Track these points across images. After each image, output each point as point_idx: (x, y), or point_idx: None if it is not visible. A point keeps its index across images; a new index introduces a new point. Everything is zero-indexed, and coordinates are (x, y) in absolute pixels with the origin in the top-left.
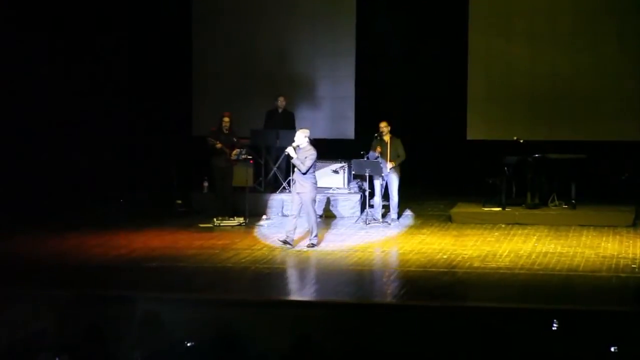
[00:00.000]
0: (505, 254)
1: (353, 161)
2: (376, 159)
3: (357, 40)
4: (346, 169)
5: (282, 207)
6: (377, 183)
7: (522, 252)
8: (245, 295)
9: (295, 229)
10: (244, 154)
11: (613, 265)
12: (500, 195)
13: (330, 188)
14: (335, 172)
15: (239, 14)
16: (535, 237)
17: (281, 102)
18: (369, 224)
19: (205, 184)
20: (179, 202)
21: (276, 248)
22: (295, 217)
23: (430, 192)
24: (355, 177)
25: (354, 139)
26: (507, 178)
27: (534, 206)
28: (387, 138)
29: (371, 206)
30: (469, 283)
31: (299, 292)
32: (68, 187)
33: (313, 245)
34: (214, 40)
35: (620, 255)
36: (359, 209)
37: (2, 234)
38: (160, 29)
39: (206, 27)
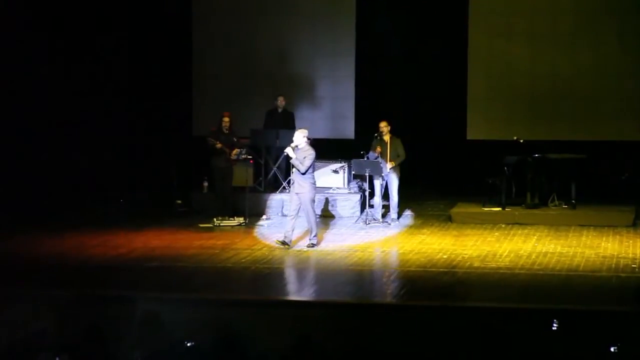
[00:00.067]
0: (505, 254)
1: (353, 161)
2: (376, 158)
3: (357, 40)
4: (346, 168)
5: (282, 207)
6: (377, 183)
7: (522, 252)
8: (245, 295)
9: (293, 229)
10: (244, 154)
11: (613, 265)
12: (500, 195)
13: (330, 188)
14: (335, 172)
15: (238, 14)
16: (535, 237)
17: (281, 102)
18: (369, 224)
19: (205, 184)
20: (179, 202)
21: (276, 248)
22: (293, 218)
23: (430, 192)
24: (355, 177)
25: (353, 138)
26: (507, 178)
27: (534, 206)
28: (387, 138)
29: (371, 206)
30: (469, 283)
31: (299, 292)
32: (68, 187)
33: (313, 245)
34: (213, 40)
35: (620, 255)
36: (359, 209)
37: (2, 234)
38: (160, 29)
39: (206, 27)
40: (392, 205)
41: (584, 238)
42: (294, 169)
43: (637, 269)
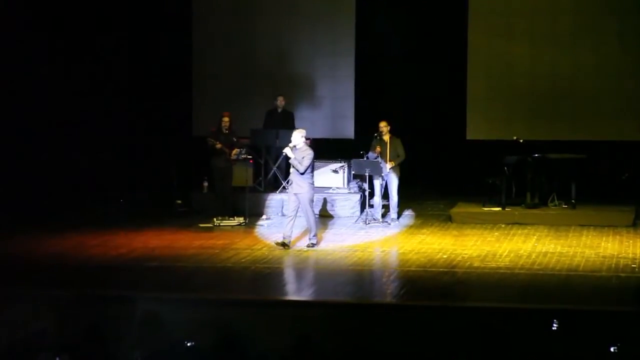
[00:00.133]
0: (505, 254)
1: (353, 161)
2: (376, 158)
3: (357, 40)
4: (346, 168)
5: (282, 207)
6: (377, 183)
7: (522, 252)
8: (244, 295)
9: (292, 230)
10: (244, 154)
11: (613, 265)
12: (500, 195)
13: (330, 188)
14: (335, 171)
15: (238, 14)
16: (535, 237)
17: (280, 101)
18: (368, 223)
19: (205, 184)
20: (179, 202)
21: (276, 248)
22: (292, 218)
23: (430, 192)
24: (355, 177)
25: (353, 138)
26: (507, 178)
27: (534, 206)
28: (386, 138)
29: (371, 206)
30: (469, 283)
31: (299, 292)
32: (68, 187)
33: (313, 245)
34: (213, 40)
35: (620, 255)
36: (359, 208)
37: (2, 234)
38: (160, 29)
39: (206, 27)
40: (392, 205)
41: (584, 238)
42: (292, 169)
43: (637, 269)
